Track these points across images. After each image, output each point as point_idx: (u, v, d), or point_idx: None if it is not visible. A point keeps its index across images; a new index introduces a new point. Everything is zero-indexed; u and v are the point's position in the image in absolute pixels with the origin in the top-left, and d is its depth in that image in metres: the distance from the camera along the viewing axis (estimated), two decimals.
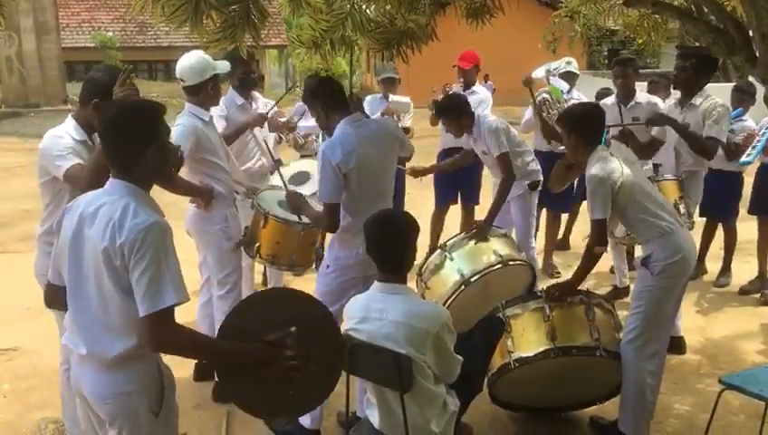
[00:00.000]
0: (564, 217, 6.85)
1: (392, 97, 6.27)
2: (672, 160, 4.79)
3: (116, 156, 2.28)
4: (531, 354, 3.51)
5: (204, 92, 4.09)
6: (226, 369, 2.41)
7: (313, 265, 4.21)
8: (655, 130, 4.97)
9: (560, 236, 6.89)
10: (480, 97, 6.09)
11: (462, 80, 6.24)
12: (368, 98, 6.53)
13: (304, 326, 2.42)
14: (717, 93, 4.74)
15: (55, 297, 2.45)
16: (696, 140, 4.62)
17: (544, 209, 6.38)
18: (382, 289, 2.86)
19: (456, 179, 6.29)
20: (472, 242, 4.32)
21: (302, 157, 5.79)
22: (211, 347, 2.41)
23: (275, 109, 5.25)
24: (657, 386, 3.63)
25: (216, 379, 2.42)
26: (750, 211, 5.93)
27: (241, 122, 4.90)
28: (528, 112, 6.25)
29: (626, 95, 5.48)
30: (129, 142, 2.26)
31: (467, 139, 5.08)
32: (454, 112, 4.90)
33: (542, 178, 5.29)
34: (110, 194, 2.25)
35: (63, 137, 3.25)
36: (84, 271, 2.23)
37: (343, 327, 2.94)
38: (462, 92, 6.04)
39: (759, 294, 5.77)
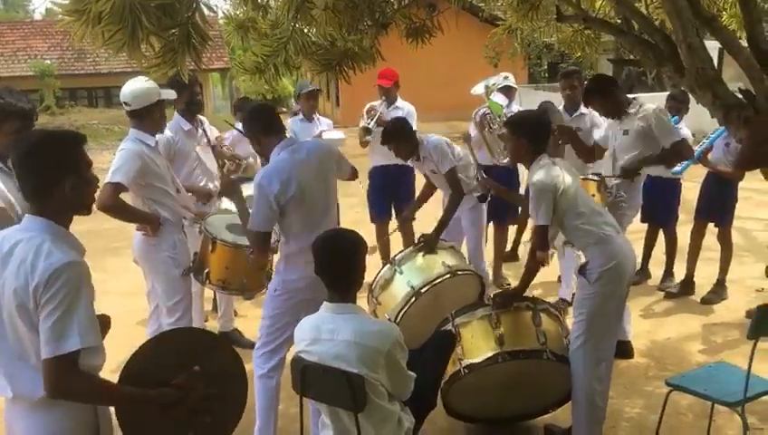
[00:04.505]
0: (512, 229, 6.95)
1: (325, 134, 6.22)
2: (610, 167, 4.89)
3: (32, 189, 2.16)
4: (480, 360, 3.57)
5: (150, 117, 4.03)
6: (128, 414, 2.30)
7: (264, 289, 4.18)
8: (597, 136, 5.09)
9: (508, 248, 6.99)
10: (404, 112, 6.14)
11: (384, 97, 6.28)
12: (290, 120, 6.46)
13: (205, 363, 2.42)
14: (653, 103, 4.83)
15: None
16: (668, 158, 4.70)
17: (491, 222, 6.45)
18: (332, 309, 2.86)
19: (387, 192, 6.35)
20: (420, 255, 4.38)
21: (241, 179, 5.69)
22: (115, 395, 2.24)
23: (216, 134, 5.21)
24: (606, 391, 3.70)
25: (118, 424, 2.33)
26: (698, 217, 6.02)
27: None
28: (472, 130, 6.32)
29: (572, 106, 5.68)
30: (45, 172, 2.13)
31: (411, 161, 5.12)
32: (401, 136, 4.91)
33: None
34: (25, 231, 2.15)
35: None
36: (2, 311, 2.13)
37: (294, 350, 2.93)
38: (386, 109, 6.16)
39: (701, 297, 5.93)
